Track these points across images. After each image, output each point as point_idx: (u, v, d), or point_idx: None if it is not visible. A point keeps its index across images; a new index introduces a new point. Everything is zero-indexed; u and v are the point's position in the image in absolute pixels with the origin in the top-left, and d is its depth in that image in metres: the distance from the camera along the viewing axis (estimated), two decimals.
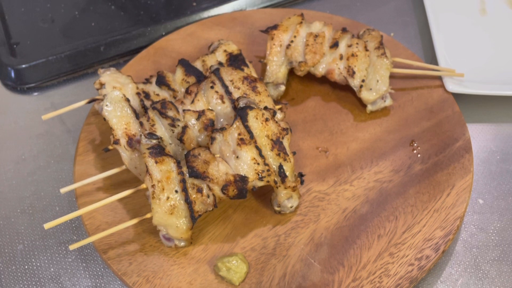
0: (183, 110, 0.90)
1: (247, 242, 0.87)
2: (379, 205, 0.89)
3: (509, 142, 1.02)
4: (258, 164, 0.84)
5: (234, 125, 0.85)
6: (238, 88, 0.92)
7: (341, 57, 1.00)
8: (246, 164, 0.84)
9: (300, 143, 0.98)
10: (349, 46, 1.01)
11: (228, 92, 0.91)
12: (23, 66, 1.09)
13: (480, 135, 1.03)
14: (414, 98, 1.03)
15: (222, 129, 0.86)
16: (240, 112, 0.86)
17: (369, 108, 1.01)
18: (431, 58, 1.13)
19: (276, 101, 0.97)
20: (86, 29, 1.16)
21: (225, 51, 1.00)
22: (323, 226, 0.88)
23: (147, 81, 0.99)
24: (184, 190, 0.82)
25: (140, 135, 0.88)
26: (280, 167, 0.85)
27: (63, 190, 0.86)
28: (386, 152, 0.96)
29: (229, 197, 0.84)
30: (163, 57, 1.09)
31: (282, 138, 0.86)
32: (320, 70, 1.01)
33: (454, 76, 1.03)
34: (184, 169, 0.83)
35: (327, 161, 0.96)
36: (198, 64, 1.00)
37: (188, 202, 0.82)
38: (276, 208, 0.89)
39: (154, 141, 0.85)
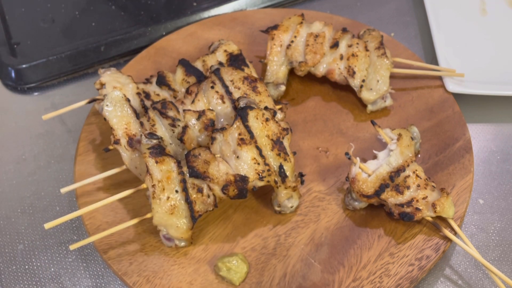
0: (184, 110, 0.90)
1: (248, 242, 0.87)
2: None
3: (509, 142, 1.02)
4: (259, 164, 0.84)
5: (235, 125, 0.85)
6: (239, 88, 0.92)
7: (341, 57, 1.01)
8: (246, 164, 0.84)
9: (301, 143, 0.98)
10: (350, 46, 1.01)
11: (229, 92, 0.91)
12: (24, 66, 1.09)
13: (480, 135, 1.03)
14: (414, 98, 1.03)
15: (223, 129, 0.86)
16: (241, 112, 0.86)
17: (370, 108, 1.01)
18: (431, 58, 1.13)
19: (276, 101, 0.97)
20: (86, 29, 1.16)
21: (225, 51, 1.00)
22: (324, 226, 0.88)
23: (148, 81, 0.99)
24: (185, 190, 0.82)
25: (141, 135, 0.88)
26: (281, 167, 0.85)
27: (64, 190, 0.86)
28: None
29: (230, 197, 0.84)
30: (164, 57, 1.09)
31: (283, 138, 0.86)
32: (320, 70, 1.01)
33: (454, 76, 1.03)
34: (185, 169, 0.83)
35: (327, 161, 0.96)
36: (198, 64, 1.00)
37: (189, 202, 0.82)
38: (277, 208, 0.89)
39: (155, 141, 0.85)
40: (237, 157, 0.84)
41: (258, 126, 0.85)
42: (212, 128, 0.89)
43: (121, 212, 0.89)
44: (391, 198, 0.85)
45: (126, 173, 0.91)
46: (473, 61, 1.09)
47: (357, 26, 1.11)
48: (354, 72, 0.99)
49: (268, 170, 0.84)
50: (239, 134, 0.85)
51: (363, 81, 0.99)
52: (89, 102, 0.95)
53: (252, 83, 0.93)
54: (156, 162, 0.82)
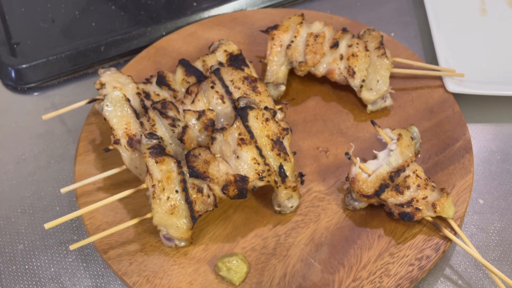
0: (184, 110, 0.90)
1: (248, 242, 0.87)
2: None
3: (509, 142, 1.02)
4: (259, 164, 0.84)
5: (235, 125, 0.85)
6: (239, 88, 0.92)
7: (341, 57, 1.01)
8: (246, 164, 0.84)
9: (301, 143, 0.98)
10: (350, 46, 1.01)
11: (229, 92, 0.92)
12: (24, 66, 1.09)
13: (480, 135, 1.03)
14: (414, 98, 1.03)
15: (223, 129, 0.86)
16: (241, 112, 0.86)
17: (370, 108, 1.01)
18: (432, 58, 1.13)
19: (276, 101, 0.97)
20: (86, 29, 1.16)
21: (225, 51, 1.00)
22: (324, 226, 0.88)
23: (148, 81, 0.99)
24: (185, 190, 0.82)
25: (141, 135, 0.88)
26: (281, 167, 0.85)
27: (64, 190, 0.86)
28: None
29: (230, 197, 0.84)
30: (164, 57, 1.09)
31: (283, 138, 0.86)
32: (320, 70, 1.01)
33: (455, 76, 1.03)
34: (185, 169, 0.83)
35: (327, 161, 0.96)
36: (198, 64, 1.00)
37: (189, 202, 0.82)
38: (277, 208, 0.89)
39: (155, 141, 0.85)
40: (237, 157, 0.84)
41: (258, 126, 0.85)
42: (212, 128, 0.89)
43: (121, 212, 0.89)
44: (391, 198, 0.85)
45: (126, 173, 0.91)
46: (473, 61, 1.09)
47: (357, 26, 1.11)
48: (354, 72, 0.99)
49: (268, 170, 0.84)
50: (239, 134, 0.85)
51: (363, 81, 0.99)
52: (89, 102, 0.95)
53: (252, 83, 0.93)
54: (156, 162, 0.82)
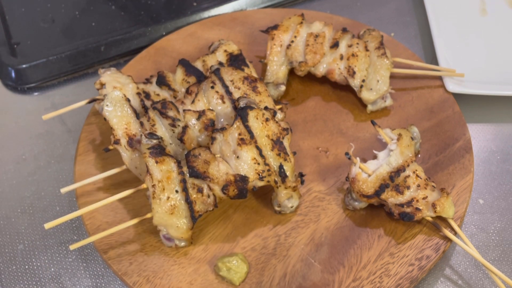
0: (184, 110, 0.90)
1: (248, 242, 0.87)
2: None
3: (509, 142, 1.02)
4: (259, 164, 0.84)
5: (235, 125, 0.85)
6: (239, 88, 0.92)
7: (341, 57, 1.01)
8: (246, 164, 0.84)
9: (301, 143, 0.98)
10: (350, 46, 1.01)
11: (229, 92, 0.92)
12: (24, 66, 1.09)
13: (480, 135, 1.03)
14: (414, 98, 1.03)
15: (223, 129, 0.86)
16: (241, 112, 0.86)
17: (370, 108, 1.01)
18: (432, 58, 1.13)
19: (276, 101, 0.97)
20: (86, 29, 1.16)
21: (225, 51, 1.00)
22: (324, 226, 0.88)
23: (148, 81, 0.99)
24: (185, 190, 0.82)
25: (141, 135, 0.88)
26: (281, 167, 0.85)
27: (64, 190, 0.86)
28: None
29: (230, 197, 0.84)
30: (164, 57, 1.09)
31: (283, 138, 0.86)
32: (320, 70, 1.01)
33: (455, 76, 1.03)
34: (185, 169, 0.83)
35: (327, 161, 0.96)
36: (198, 64, 1.00)
37: (189, 202, 0.82)
38: (277, 208, 0.89)
39: (155, 141, 0.85)
40: (237, 157, 0.84)
41: (258, 126, 0.85)
42: (212, 128, 0.89)
43: (121, 212, 0.89)
44: (391, 198, 0.85)
45: (126, 173, 0.91)
46: (473, 61, 1.09)
47: (357, 26, 1.11)
48: (354, 72, 0.99)
49: (268, 170, 0.84)
50: (239, 134, 0.85)
51: (363, 81, 0.99)
52: (89, 102, 0.95)
53: (252, 83, 0.93)
54: (156, 162, 0.82)
